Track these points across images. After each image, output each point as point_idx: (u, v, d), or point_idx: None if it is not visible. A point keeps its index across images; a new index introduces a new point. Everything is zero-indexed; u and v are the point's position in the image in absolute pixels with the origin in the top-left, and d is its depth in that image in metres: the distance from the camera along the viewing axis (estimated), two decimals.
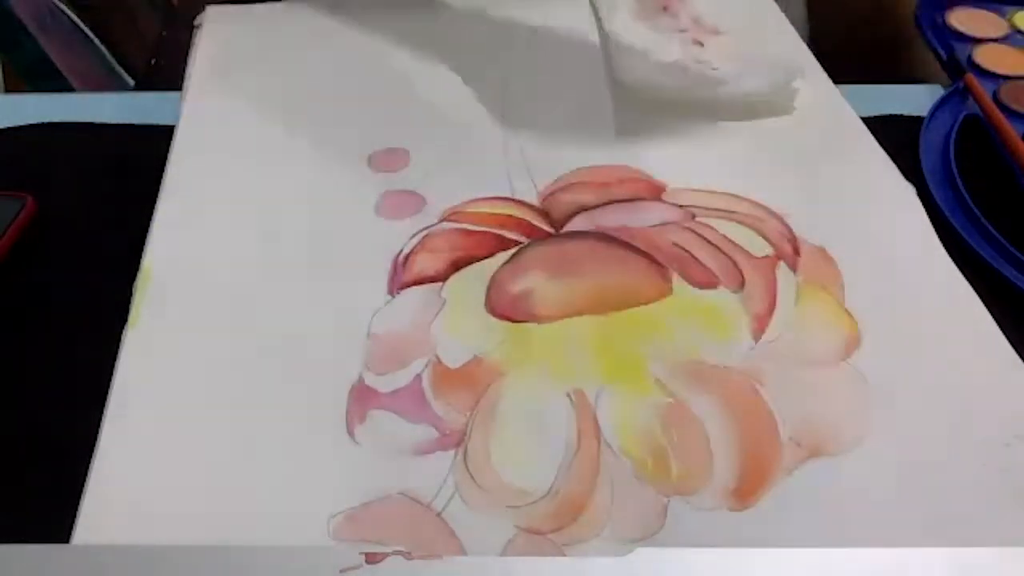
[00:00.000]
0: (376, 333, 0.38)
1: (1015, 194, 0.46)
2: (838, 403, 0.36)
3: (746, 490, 0.33)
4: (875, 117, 0.51)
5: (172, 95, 0.51)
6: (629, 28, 0.56)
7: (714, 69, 0.52)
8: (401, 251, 0.42)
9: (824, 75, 0.54)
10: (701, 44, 0.54)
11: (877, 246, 0.43)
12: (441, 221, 0.43)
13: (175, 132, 0.48)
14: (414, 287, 0.40)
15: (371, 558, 0.28)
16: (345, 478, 0.33)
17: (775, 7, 0.60)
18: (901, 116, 0.52)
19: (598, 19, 0.57)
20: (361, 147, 0.48)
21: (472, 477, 0.33)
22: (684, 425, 0.35)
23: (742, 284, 0.41)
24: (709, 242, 0.43)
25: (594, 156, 0.48)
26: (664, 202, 0.45)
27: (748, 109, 0.50)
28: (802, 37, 0.58)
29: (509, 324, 0.39)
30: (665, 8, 0.58)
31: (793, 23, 0.59)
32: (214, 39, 0.56)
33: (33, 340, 0.39)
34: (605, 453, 0.34)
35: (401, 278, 0.41)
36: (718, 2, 0.58)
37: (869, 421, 0.35)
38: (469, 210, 0.44)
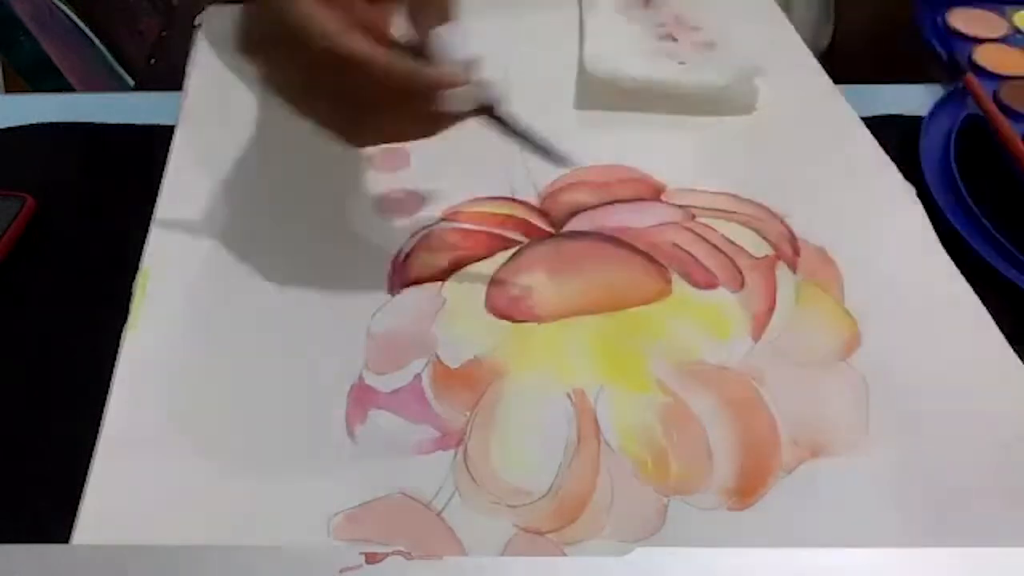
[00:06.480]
0: (376, 333, 0.38)
1: (1015, 194, 0.46)
2: (838, 403, 0.36)
3: (746, 490, 0.33)
4: (875, 117, 0.51)
5: (172, 95, 0.51)
6: (607, 19, 0.56)
7: (680, 63, 0.52)
8: (401, 251, 0.42)
9: (824, 75, 0.54)
10: (675, 39, 0.55)
11: (877, 246, 0.43)
12: (441, 221, 0.43)
13: (175, 132, 0.48)
14: (414, 287, 0.40)
15: (371, 558, 0.28)
16: (345, 478, 0.33)
17: (776, 9, 0.60)
18: (901, 116, 0.52)
19: (581, 10, 0.57)
20: None
21: (472, 477, 0.33)
22: (684, 425, 0.35)
23: (742, 284, 0.41)
24: (709, 242, 0.43)
25: (594, 156, 0.48)
26: (664, 202, 0.45)
27: (708, 104, 0.51)
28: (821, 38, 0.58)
29: (509, 324, 0.39)
30: (647, 2, 0.58)
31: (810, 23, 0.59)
32: (214, 39, 0.56)
33: (33, 339, 0.39)
34: (605, 453, 0.34)
35: (401, 278, 0.41)
36: (711, 2, 0.58)
37: (868, 421, 0.35)
38: (469, 210, 0.44)
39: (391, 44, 0.36)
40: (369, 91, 0.35)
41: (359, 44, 0.34)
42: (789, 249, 0.42)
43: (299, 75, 0.36)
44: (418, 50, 0.36)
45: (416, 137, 0.39)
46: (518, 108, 0.51)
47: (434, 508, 0.32)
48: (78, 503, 0.32)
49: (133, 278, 0.40)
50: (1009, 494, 0.33)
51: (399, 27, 0.37)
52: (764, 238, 0.43)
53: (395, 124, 0.37)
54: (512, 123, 0.38)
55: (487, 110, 0.37)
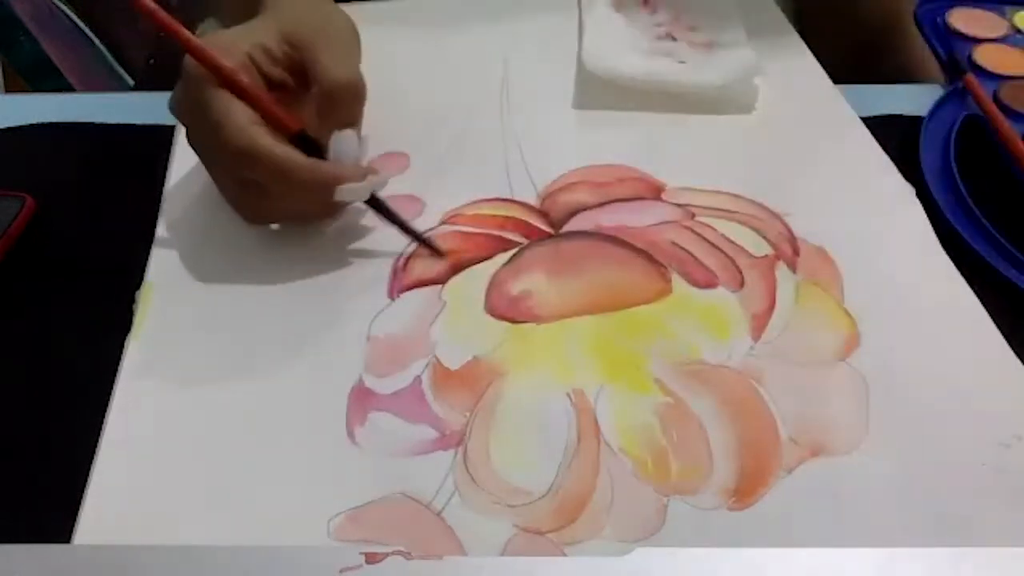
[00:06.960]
0: (376, 336, 0.38)
1: (1015, 194, 0.46)
2: (837, 403, 0.36)
3: (746, 490, 0.33)
4: (875, 117, 0.51)
5: None
6: (605, 18, 0.56)
7: (680, 62, 0.52)
8: (401, 254, 0.42)
9: (824, 76, 0.54)
10: (674, 39, 0.55)
11: (877, 246, 0.43)
12: (441, 224, 0.43)
13: (175, 132, 0.48)
14: (414, 290, 0.40)
15: (371, 558, 0.28)
16: (345, 479, 0.33)
17: (775, 9, 0.60)
18: (901, 116, 0.52)
19: (580, 9, 0.58)
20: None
21: (472, 477, 0.33)
22: (684, 425, 0.35)
23: (742, 284, 0.41)
24: (708, 242, 0.43)
25: (593, 156, 0.48)
26: (663, 201, 0.45)
27: (709, 103, 0.51)
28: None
29: (509, 324, 0.39)
30: (646, 2, 0.58)
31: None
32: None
33: (33, 339, 0.39)
34: (605, 453, 0.34)
35: (401, 281, 0.41)
36: (710, 2, 0.58)
37: (868, 421, 0.35)
38: (468, 212, 0.44)
39: (299, 135, 0.40)
40: (267, 180, 0.38)
41: (262, 139, 0.37)
42: (789, 249, 0.42)
43: (209, 155, 0.40)
44: (320, 145, 0.40)
45: (314, 220, 0.43)
46: (518, 108, 0.52)
47: (434, 508, 0.32)
48: (79, 504, 0.32)
49: (132, 278, 0.40)
50: (1008, 494, 0.33)
51: (310, 120, 0.41)
52: (764, 237, 0.43)
53: (294, 207, 0.41)
54: (393, 213, 0.42)
55: (374, 200, 0.41)
